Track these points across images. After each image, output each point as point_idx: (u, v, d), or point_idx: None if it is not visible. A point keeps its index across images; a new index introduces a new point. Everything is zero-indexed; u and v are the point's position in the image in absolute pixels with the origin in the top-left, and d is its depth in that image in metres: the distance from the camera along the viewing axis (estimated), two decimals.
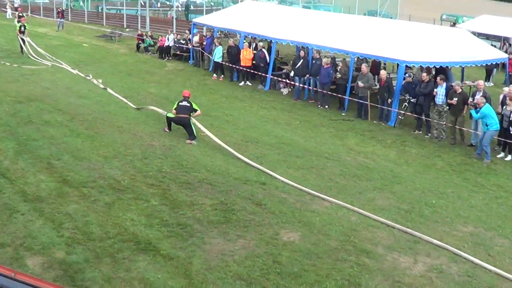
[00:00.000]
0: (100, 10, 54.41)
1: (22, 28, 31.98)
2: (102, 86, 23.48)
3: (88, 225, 10.69)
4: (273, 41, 25.38)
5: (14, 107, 19.41)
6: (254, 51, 25.71)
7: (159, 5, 61.78)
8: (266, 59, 25.22)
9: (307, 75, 23.11)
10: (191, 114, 16.82)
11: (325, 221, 11.37)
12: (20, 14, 41.14)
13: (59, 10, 49.34)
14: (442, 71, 20.65)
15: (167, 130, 17.10)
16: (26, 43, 31.41)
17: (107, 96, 21.78)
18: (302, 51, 23.68)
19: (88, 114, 18.87)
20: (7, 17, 54.93)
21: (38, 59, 30.05)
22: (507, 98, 16.95)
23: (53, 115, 18.52)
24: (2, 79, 24.46)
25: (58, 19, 47.51)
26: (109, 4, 56.60)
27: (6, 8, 59.03)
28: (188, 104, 16.93)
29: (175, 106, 17.12)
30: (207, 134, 16.46)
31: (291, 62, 25.40)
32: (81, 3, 58.27)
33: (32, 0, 64.55)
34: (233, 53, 26.45)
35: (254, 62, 25.50)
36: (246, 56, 25.43)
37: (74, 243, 9.99)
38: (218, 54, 27.06)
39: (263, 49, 25.45)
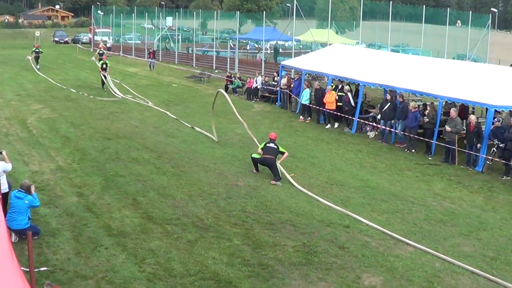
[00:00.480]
0: (190, 52, 56.21)
1: (104, 66, 34.73)
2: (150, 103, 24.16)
3: (170, 261, 10.96)
4: (360, 84, 25.38)
5: (103, 144, 20.30)
6: (339, 94, 25.78)
7: (248, 47, 63.19)
8: (351, 103, 25.20)
9: (394, 119, 22.92)
10: (277, 156, 17.02)
11: (408, 267, 11.17)
12: (101, 52, 43.64)
13: (150, 50, 51.28)
14: None
15: (255, 171, 17.33)
16: (108, 79, 34.11)
17: (194, 135, 22.36)
18: (389, 95, 23.55)
19: (175, 152, 19.44)
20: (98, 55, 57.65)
21: (117, 93, 31.79)
22: None
23: (140, 152, 19.22)
24: (92, 116, 25.66)
25: (149, 60, 49.41)
26: (198, 46, 58.36)
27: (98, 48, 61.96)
28: (275, 146, 17.16)
29: (261, 146, 17.39)
30: (290, 180, 16.58)
31: (378, 105, 25.30)
32: (172, 45, 60.35)
33: (124, 40, 67.56)
34: (318, 96, 26.61)
35: (339, 104, 25.52)
36: (329, 99, 25.51)
37: (155, 278, 10.25)
38: (305, 97, 27.27)
39: (348, 93, 25.47)
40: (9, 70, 44.58)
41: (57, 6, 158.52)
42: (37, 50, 47.20)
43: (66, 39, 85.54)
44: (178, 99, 31.68)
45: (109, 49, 63.15)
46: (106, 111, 27.12)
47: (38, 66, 45.04)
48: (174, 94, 33.85)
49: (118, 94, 32.02)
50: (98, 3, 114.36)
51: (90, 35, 76.69)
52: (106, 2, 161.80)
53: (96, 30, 72.69)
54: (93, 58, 42.66)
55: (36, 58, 46.11)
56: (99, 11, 76.48)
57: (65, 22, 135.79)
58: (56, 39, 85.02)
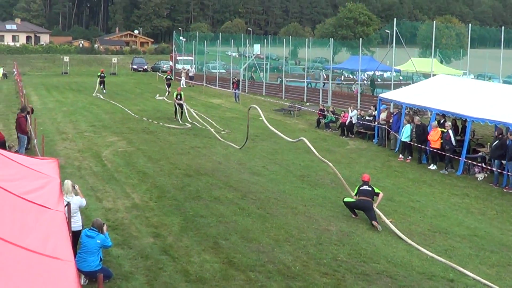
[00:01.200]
0: (279, 82, 56.82)
1: (179, 96, 36.35)
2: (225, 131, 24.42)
3: None
4: (468, 119, 24.94)
5: (183, 181, 20.77)
6: (441, 130, 25.41)
7: (342, 78, 63.35)
8: (451, 141, 24.76)
9: (506, 159, 22.38)
10: (374, 198, 16.98)
11: None
12: (168, 77, 47.26)
13: (234, 80, 52.30)
14: None
15: (354, 216, 17.31)
16: (184, 109, 36.07)
17: (282, 174, 22.58)
18: (498, 132, 23.06)
19: (260, 192, 19.66)
20: (181, 85, 59.23)
21: (186, 123, 32.88)
22: None
23: (223, 191, 19.54)
24: (172, 151, 26.36)
25: (234, 90, 50.35)
26: (288, 76, 58.95)
27: (181, 77, 63.67)
28: (370, 188, 17.15)
29: (355, 191, 17.43)
30: (388, 225, 16.45)
31: (488, 144, 24.76)
32: (260, 75, 61.17)
33: (207, 69, 69.09)
34: (420, 132, 26.33)
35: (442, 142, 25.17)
36: (434, 137, 25.18)
37: None
38: (406, 133, 27.05)
39: (449, 130, 25.06)
40: (83, 99, 46.54)
41: (136, 31, 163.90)
42: (102, 74, 53.29)
43: (145, 66, 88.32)
44: (266, 134, 32.05)
45: (191, 78, 64.85)
46: (187, 146, 27.82)
47: (104, 91, 50.54)
48: (261, 128, 34.22)
49: (186, 124, 33.81)
50: (180, 28, 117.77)
51: (171, 63, 78.84)
52: (188, 27, 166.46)
53: (178, 58, 74.61)
54: (158, 96, 44.36)
55: (101, 83, 52.03)
56: (181, 37, 78.70)
57: (144, 49, 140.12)
58: (135, 66, 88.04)
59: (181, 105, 36.01)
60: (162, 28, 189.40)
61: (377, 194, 17.18)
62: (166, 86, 50.92)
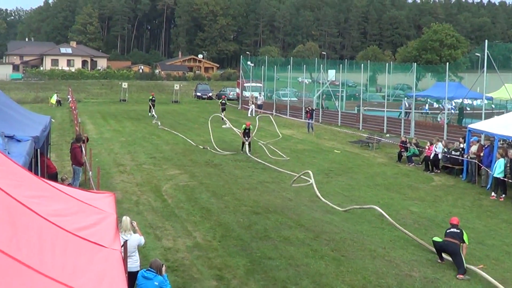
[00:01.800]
0: (357, 112, 56.59)
1: (247, 130, 36.62)
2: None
3: None
4: None
5: (250, 219, 20.77)
6: None
7: (427, 107, 62.66)
8: None
9: None
10: (461, 242, 16.58)
11: None
12: (224, 102, 48.84)
13: (308, 109, 52.20)
14: None
15: (440, 261, 16.97)
16: (246, 144, 36.20)
17: (359, 214, 22.35)
18: None
19: (335, 232, 19.47)
20: (248, 115, 59.55)
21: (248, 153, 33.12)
22: None
23: (294, 231, 19.44)
24: (238, 186, 26.45)
25: (307, 120, 50.34)
26: (366, 104, 58.68)
27: (249, 105, 64.09)
28: (458, 231, 16.77)
29: (438, 240, 17.08)
30: (478, 272, 16.04)
31: None
32: (335, 103, 61.06)
33: (278, 96, 69.40)
34: None
35: None
36: None
37: None
38: (499, 168, 26.45)
39: None
40: (142, 128, 47.37)
41: (200, 56, 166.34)
42: (153, 98, 59.35)
43: (210, 94, 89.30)
44: (340, 168, 31.90)
45: (259, 106, 65.26)
46: (255, 180, 27.89)
47: (154, 113, 54.41)
48: (336, 162, 34.14)
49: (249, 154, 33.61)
50: (247, 52, 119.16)
51: (237, 90, 79.56)
52: (257, 51, 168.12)
53: (245, 85, 75.17)
54: (225, 124, 44.79)
55: (153, 105, 57.17)
56: (248, 62, 79.41)
57: (209, 74, 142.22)
58: (198, 93, 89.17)
59: (247, 134, 36.20)
60: (228, 52, 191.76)
61: (464, 242, 16.74)
62: (221, 111, 51.69)
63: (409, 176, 30.96)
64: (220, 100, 50.57)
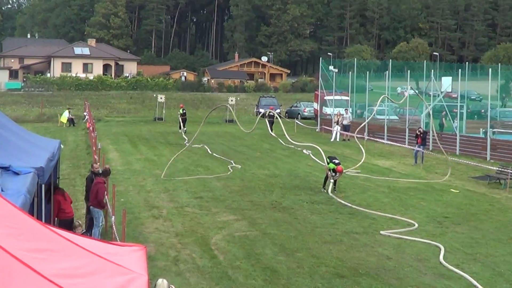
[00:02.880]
0: (483, 135, 55.74)
1: (336, 161, 36.05)
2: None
3: None
4: None
5: (332, 283, 20.61)
6: None
7: None
8: None
9: None
10: None
11: None
12: (272, 113, 47.40)
13: (419, 132, 49.95)
14: None
15: None
16: (332, 181, 35.65)
17: (487, 278, 21.92)
18: None
19: None
20: (331, 139, 59.40)
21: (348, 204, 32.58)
22: None
23: None
24: (316, 237, 26.21)
25: (416, 147, 49.41)
26: (497, 125, 57.78)
27: (332, 128, 63.87)
28: None
29: None
30: None
31: None
32: (453, 122, 60.00)
33: (371, 114, 68.78)
34: None
35: None
36: None
37: None
38: None
39: None
40: (185, 157, 47.25)
41: (264, 59, 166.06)
42: (183, 111, 63.20)
43: (278, 110, 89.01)
44: (459, 214, 31.44)
45: (346, 128, 64.79)
46: (339, 230, 27.62)
47: (185, 129, 58.71)
48: (453, 205, 33.68)
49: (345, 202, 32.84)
50: (329, 53, 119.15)
51: (315, 105, 79.25)
52: (342, 52, 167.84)
53: (326, 98, 74.75)
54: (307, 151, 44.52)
55: (183, 121, 61.39)
56: (330, 67, 79.16)
57: (276, 83, 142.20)
58: (262, 110, 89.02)
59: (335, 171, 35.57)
60: (303, 53, 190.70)
61: None
62: (268, 125, 50.22)
63: None
64: (268, 112, 50.19)
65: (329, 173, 35.35)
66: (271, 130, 48.36)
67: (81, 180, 33.87)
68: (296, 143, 43.04)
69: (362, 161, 42.00)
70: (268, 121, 52.75)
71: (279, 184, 37.25)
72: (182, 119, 58.89)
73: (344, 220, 29.55)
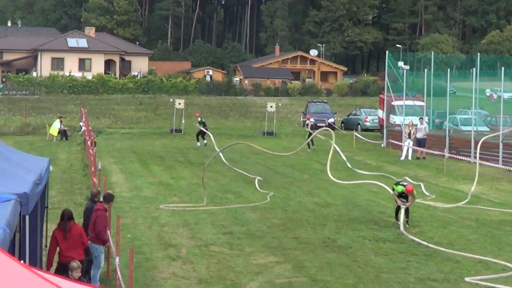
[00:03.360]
0: None
1: (404, 194, 35.54)
2: None
3: None
4: None
5: None
6: None
7: None
8: None
9: None
10: None
11: None
12: (307, 122, 47.49)
13: None
14: None
15: None
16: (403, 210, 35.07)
17: None
18: None
19: None
20: (402, 158, 59.49)
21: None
22: None
23: None
24: (381, 286, 26.08)
25: None
26: None
27: (403, 143, 63.80)
28: None
29: None
30: None
31: None
32: None
33: (453, 125, 68.58)
34: None
35: None
36: None
37: None
38: None
39: None
40: (210, 181, 46.87)
41: (314, 52, 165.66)
42: (202, 120, 64.44)
43: (331, 119, 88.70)
44: None
45: (419, 143, 64.51)
46: (412, 276, 27.51)
47: (205, 142, 60.79)
48: None
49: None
50: (398, 45, 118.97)
51: (380, 113, 79.08)
52: (414, 43, 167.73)
53: (394, 103, 74.48)
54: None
55: (202, 133, 62.52)
56: (399, 63, 78.73)
57: (329, 84, 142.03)
58: (312, 119, 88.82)
59: (405, 197, 35.26)
60: (364, 45, 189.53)
61: None
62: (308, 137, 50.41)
63: None
64: (306, 121, 49.94)
65: (398, 200, 35.09)
66: (309, 146, 48.62)
67: (76, 210, 33.63)
68: (359, 171, 43.13)
69: (472, 189, 41.43)
70: (309, 133, 52.65)
71: (333, 216, 37.16)
72: (201, 130, 59.08)
73: (418, 264, 29.43)
